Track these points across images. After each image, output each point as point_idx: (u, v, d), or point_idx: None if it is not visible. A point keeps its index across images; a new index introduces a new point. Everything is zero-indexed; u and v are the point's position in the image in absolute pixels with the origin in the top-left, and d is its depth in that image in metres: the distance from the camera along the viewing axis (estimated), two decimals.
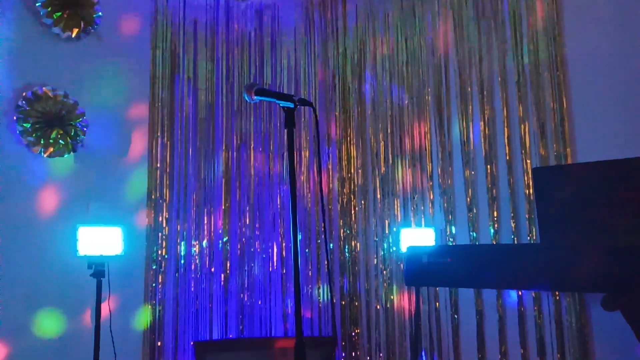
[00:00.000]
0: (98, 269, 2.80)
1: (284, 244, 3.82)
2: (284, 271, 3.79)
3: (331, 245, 3.76)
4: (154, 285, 3.37)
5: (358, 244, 3.69)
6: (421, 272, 2.51)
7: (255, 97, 1.88)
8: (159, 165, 3.49)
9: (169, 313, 3.42)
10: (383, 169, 3.65)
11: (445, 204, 3.34)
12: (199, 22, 3.84)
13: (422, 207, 3.46)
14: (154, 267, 3.38)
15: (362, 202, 3.71)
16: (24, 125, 2.96)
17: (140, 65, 3.50)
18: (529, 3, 3.12)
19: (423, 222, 3.44)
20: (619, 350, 2.65)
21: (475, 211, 3.22)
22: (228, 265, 3.69)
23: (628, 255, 2.03)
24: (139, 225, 3.36)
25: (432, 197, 3.43)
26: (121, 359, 3.01)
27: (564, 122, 2.94)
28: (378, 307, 3.56)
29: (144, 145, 3.45)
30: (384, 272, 3.54)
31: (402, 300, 3.47)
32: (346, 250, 3.71)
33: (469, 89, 3.32)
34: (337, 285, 3.69)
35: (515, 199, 3.07)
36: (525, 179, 3.03)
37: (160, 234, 3.43)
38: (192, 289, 3.55)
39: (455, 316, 3.24)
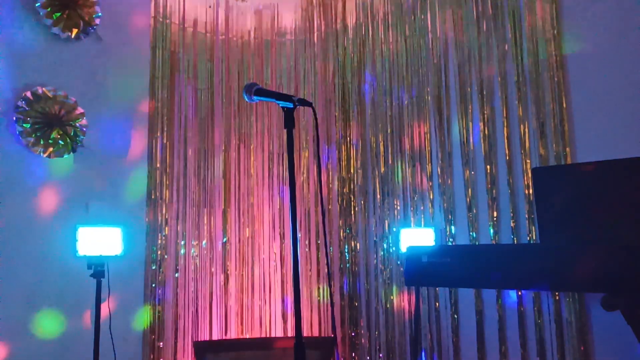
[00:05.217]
0: (98, 269, 2.80)
1: (283, 244, 3.82)
2: (284, 271, 3.79)
3: (331, 248, 3.76)
4: (153, 285, 3.37)
5: (358, 244, 3.69)
6: (421, 272, 2.51)
7: (254, 98, 1.87)
8: (159, 165, 3.49)
9: (168, 313, 3.42)
10: (383, 169, 3.65)
11: (445, 204, 3.34)
12: (199, 22, 3.84)
13: (422, 207, 3.46)
14: (153, 267, 3.38)
15: (362, 202, 3.71)
16: (24, 125, 2.96)
17: (140, 65, 3.50)
18: (529, 3, 3.12)
19: (423, 222, 3.44)
20: (619, 350, 2.64)
21: (475, 211, 3.22)
22: (228, 265, 3.70)
23: (628, 255, 2.03)
24: (139, 225, 3.36)
25: (432, 197, 3.43)
26: (121, 359, 3.01)
27: (564, 122, 2.94)
28: (378, 307, 3.56)
29: (144, 145, 3.45)
30: (384, 272, 3.54)
31: (402, 300, 3.46)
32: (346, 250, 3.71)
33: (469, 89, 3.32)
34: (337, 285, 3.69)
35: (515, 199, 3.07)
36: (525, 179, 3.03)
37: (160, 234, 3.44)
38: (192, 289, 3.55)
39: (455, 316, 3.24)
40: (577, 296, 2.81)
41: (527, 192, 3.02)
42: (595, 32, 2.89)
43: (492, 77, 3.24)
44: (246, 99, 1.89)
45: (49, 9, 3.09)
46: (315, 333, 3.68)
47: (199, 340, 3.50)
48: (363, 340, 3.59)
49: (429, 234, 3.25)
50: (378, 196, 3.64)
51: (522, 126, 3.09)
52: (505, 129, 3.15)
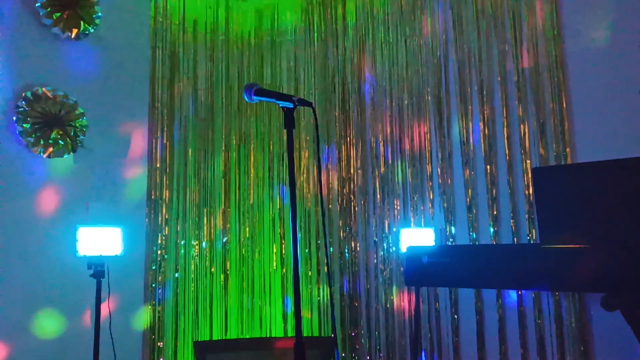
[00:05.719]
0: (98, 269, 2.80)
1: (283, 244, 3.82)
2: (284, 271, 3.78)
3: (331, 248, 3.76)
4: (153, 285, 3.37)
5: (358, 244, 3.69)
6: (421, 272, 2.51)
7: (254, 98, 1.87)
8: (159, 165, 3.49)
9: (169, 313, 3.42)
10: (383, 169, 3.65)
11: (445, 204, 3.34)
12: (198, 22, 3.84)
13: (422, 207, 3.46)
14: (153, 267, 3.38)
15: (362, 202, 3.71)
16: (24, 125, 2.96)
17: (140, 65, 3.50)
18: (529, 3, 3.12)
19: (423, 222, 3.44)
20: (619, 350, 2.64)
21: (475, 211, 3.22)
22: (228, 265, 3.69)
23: (628, 255, 2.03)
24: (139, 225, 3.35)
25: (432, 197, 3.43)
26: (121, 359, 3.01)
27: (564, 122, 2.94)
28: (378, 307, 3.55)
29: (144, 145, 3.45)
30: (384, 272, 3.54)
31: (402, 300, 3.46)
32: (346, 250, 3.71)
33: (469, 89, 3.32)
34: (337, 286, 3.69)
35: (515, 199, 3.07)
36: (525, 179, 3.03)
37: (160, 234, 3.43)
38: (192, 289, 3.55)
39: (455, 316, 3.24)
40: (577, 296, 2.81)
41: (527, 192, 3.02)
42: (595, 32, 2.89)
43: (492, 77, 3.24)
44: (246, 99, 1.89)
45: (49, 9, 3.09)
46: (315, 333, 3.68)
47: (199, 340, 3.50)
48: (363, 340, 3.59)
49: (429, 234, 3.25)
50: (378, 196, 3.64)
51: (522, 126, 3.08)
52: (505, 129, 3.15)
